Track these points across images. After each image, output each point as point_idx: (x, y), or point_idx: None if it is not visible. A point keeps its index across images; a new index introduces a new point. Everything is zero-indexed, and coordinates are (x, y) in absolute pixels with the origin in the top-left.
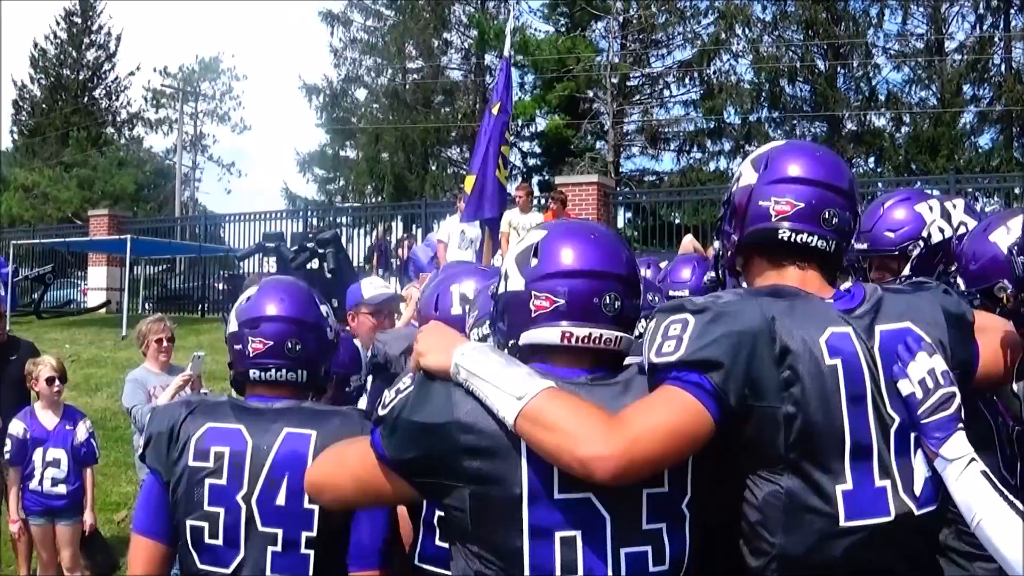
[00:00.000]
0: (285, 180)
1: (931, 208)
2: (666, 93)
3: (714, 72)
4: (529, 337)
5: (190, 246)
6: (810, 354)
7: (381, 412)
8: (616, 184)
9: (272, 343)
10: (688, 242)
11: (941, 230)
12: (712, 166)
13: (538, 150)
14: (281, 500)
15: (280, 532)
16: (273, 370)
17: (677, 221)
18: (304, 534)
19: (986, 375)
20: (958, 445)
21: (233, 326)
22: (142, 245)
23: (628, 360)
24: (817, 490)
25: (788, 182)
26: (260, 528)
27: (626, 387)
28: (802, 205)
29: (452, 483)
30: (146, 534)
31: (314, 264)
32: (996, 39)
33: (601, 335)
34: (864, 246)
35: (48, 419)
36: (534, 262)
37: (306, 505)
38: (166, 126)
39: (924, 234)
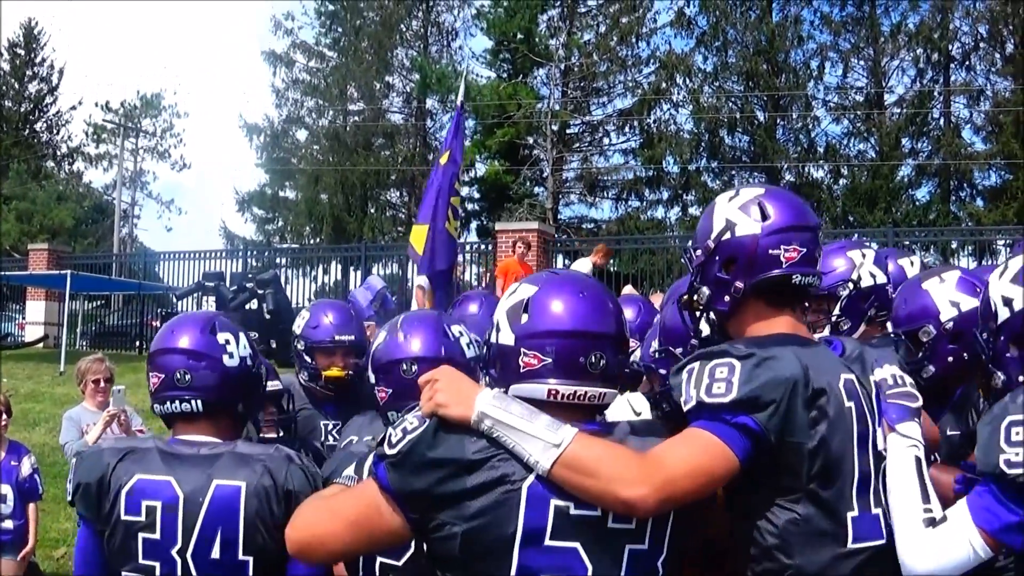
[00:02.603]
0: (224, 219)
1: (863, 255)
2: (606, 141)
3: (654, 121)
4: (517, 391)
5: (129, 283)
6: (835, 396)
7: (388, 451)
8: (555, 231)
9: (164, 375)
10: (628, 292)
11: (872, 275)
12: (650, 214)
13: (477, 195)
14: (216, 553)
15: None
16: (168, 403)
17: (615, 269)
18: None
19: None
20: (912, 429)
21: None
22: (81, 281)
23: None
24: (832, 516)
25: (793, 230)
26: None
27: (620, 444)
28: (805, 251)
29: (449, 520)
30: None
31: (253, 304)
32: (936, 93)
33: (586, 392)
34: None
35: None
36: (524, 318)
37: (240, 557)
38: (106, 161)
39: (853, 276)
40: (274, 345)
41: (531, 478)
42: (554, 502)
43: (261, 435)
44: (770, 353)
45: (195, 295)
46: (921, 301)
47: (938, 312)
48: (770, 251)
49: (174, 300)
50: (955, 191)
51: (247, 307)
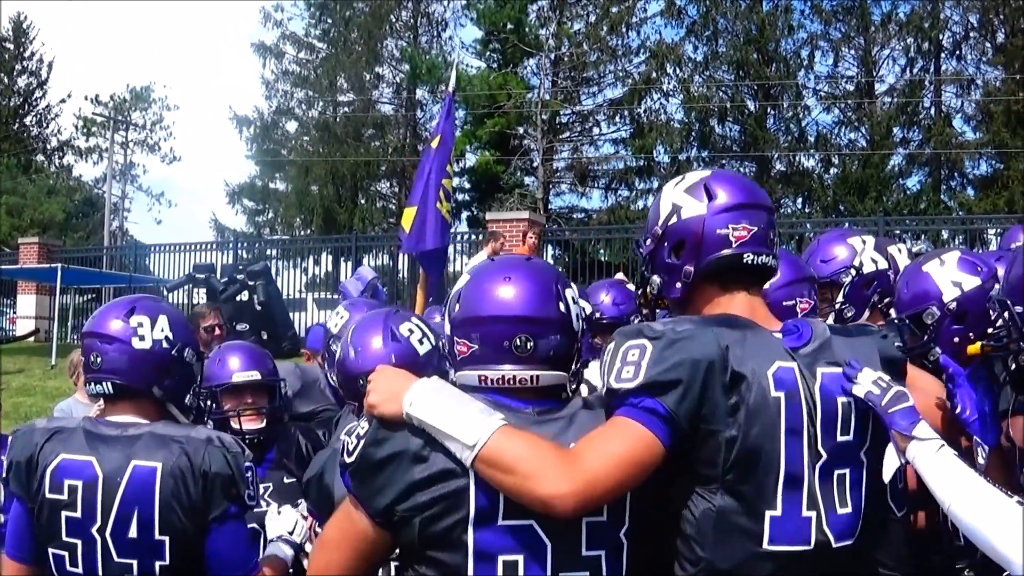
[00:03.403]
0: (214, 211)
1: (864, 241)
2: (596, 131)
3: (644, 111)
4: (459, 378)
5: (120, 276)
6: (758, 384)
7: (347, 459)
8: (545, 220)
9: (84, 359)
10: (619, 278)
11: (874, 261)
12: (640, 204)
13: (467, 185)
14: (133, 533)
15: (135, 563)
16: (88, 384)
17: (605, 259)
18: (158, 564)
19: None
20: (927, 429)
21: None
22: (72, 274)
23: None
24: (747, 512)
25: (740, 208)
26: (116, 559)
27: (570, 421)
28: (755, 229)
29: (406, 513)
30: (14, 558)
31: (244, 296)
32: (926, 82)
33: (515, 376)
34: None
35: None
36: (456, 308)
37: (157, 536)
38: (96, 155)
39: (855, 263)
40: (265, 336)
41: None
42: None
43: (242, 425)
44: (685, 332)
45: (186, 287)
46: (923, 284)
47: (940, 293)
48: (718, 231)
49: (165, 292)
50: (946, 180)
51: (238, 298)
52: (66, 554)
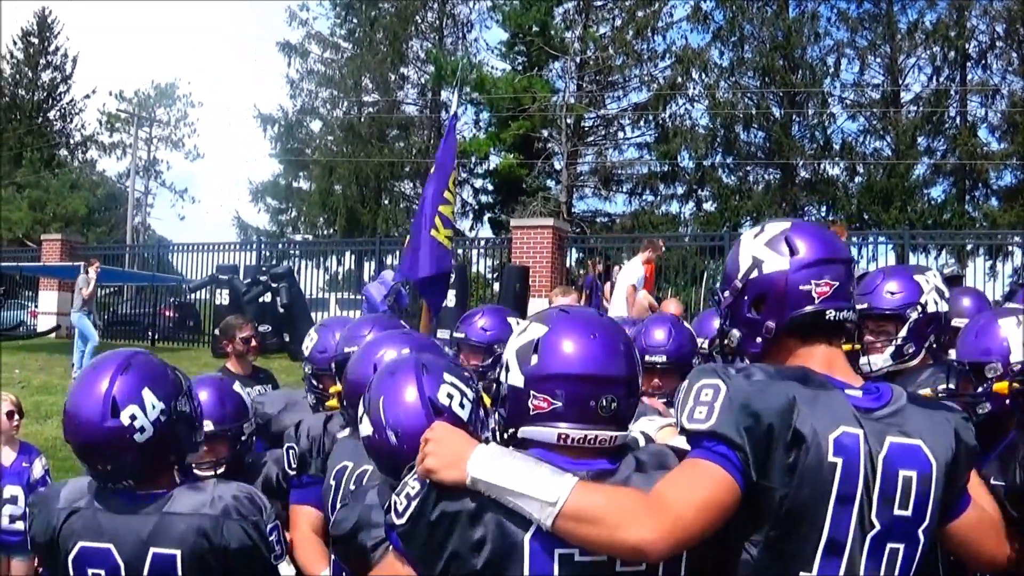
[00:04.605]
0: (237, 209)
1: (927, 281)
2: (620, 135)
3: (669, 116)
4: (526, 433)
5: (142, 275)
6: (817, 446)
7: (397, 521)
8: (569, 227)
9: (86, 465)
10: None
11: (936, 302)
12: (664, 209)
13: (490, 188)
14: None
15: None
16: (102, 484)
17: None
18: None
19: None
20: None
21: None
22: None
23: None
24: (782, 571)
25: (822, 263)
26: None
27: (625, 484)
28: (837, 284)
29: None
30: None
31: (267, 298)
32: (952, 92)
33: (596, 436)
34: (864, 306)
35: (6, 455)
36: (534, 360)
37: None
38: (120, 150)
39: (922, 301)
40: (287, 338)
41: (532, 528)
42: (558, 551)
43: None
44: (758, 384)
45: (209, 287)
46: (995, 336)
47: (1009, 352)
48: (800, 287)
49: (187, 291)
50: (970, 191)
51: (261, 300)
52: None
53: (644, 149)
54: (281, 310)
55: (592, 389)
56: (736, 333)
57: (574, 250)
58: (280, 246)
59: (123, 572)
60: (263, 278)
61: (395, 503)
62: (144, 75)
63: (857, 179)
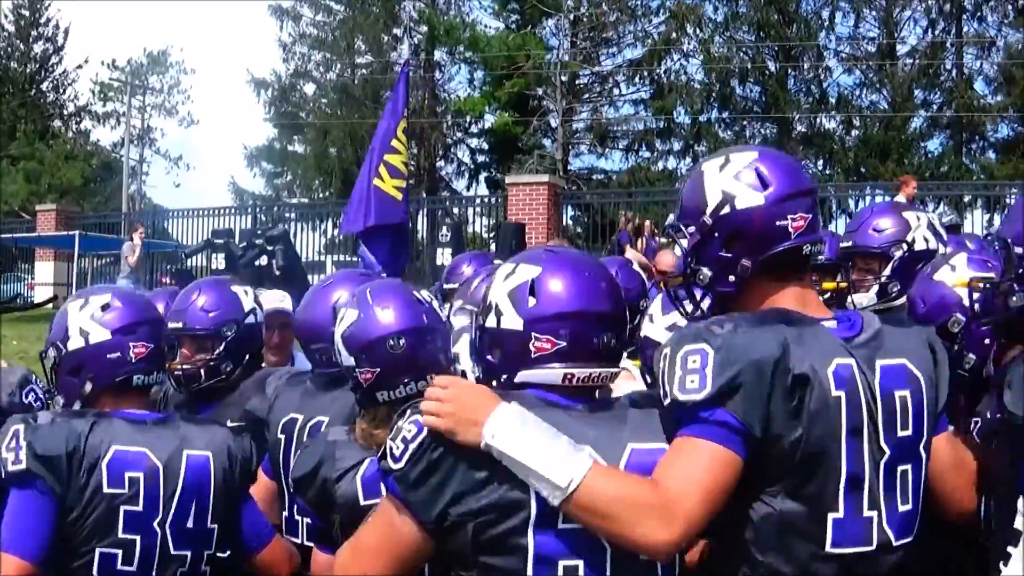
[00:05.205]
0: (233, 174)
1: (918, 217)
2: (616, 92)
3: (664, 71)
4: (527, 376)
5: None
6: (819, 384)
7: (394, 465)
8: (565, 183)
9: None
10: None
11: (926, 239)
12: (660, 165)
13: (486, 147)
14: (190, 523)
15: (188, 554)
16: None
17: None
18: (206, 553)
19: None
20: None
21: None
22: (91, 241)
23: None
24: (809, 515)
25: (796, 196)
26: (172, 552)
27: (623, 420)
28: (810, 216)
29: (460, 517)
30: (27, 556)
31: (263, 261)
32: (948, 44)
33: (600, 374)
34: (848, 244)
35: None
36: (532, 301)
37: (209, 525)
38: (113, 119)
39: (908, 239)
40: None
41: None
42: None
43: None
44: (745, 334)
45: (204, 252)
46: (938, 294)
47: (959, 299)
48: (777, 222)
49: (183, 257)
50: (967, 143)
51: (257, 264)
52: (119, 552)
53: (639, 105)
54: (277, 273)
55: (594, 327)
56: (706, 271)
57: (570, 207)
58: (276, 209)
59: (161, 474)
60: (259, 241)
61: (390, 448)
62: (136, 44)
63: (854, 132)
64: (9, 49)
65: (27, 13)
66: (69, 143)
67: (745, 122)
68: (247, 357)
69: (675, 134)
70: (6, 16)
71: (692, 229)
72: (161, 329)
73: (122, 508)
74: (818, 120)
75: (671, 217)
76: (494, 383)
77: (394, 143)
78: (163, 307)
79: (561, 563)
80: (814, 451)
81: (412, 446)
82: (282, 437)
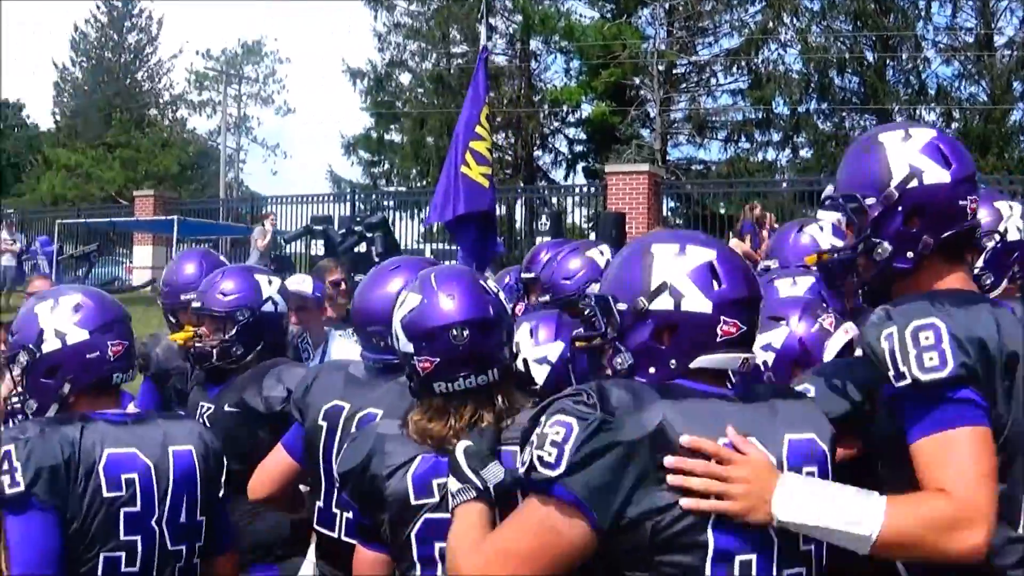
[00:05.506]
0: (330, 163)
1: (1011, 207)
2: (713, 81)
3: (762, 61)
4: (705, 362)
5: (237, 227)
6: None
7: (555, 472)
8: (664, 173)
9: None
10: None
11: (1019, 230)
12: (760, 156)
13: (583, 136)
14: (183, 518)
15: (184, 548)
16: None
17: (724, 212)
18: (197, 546)
19: None
20: None
21: None
22: (189, 226)
23: None
24: (1006, 497)
25: (972, 179)
26: (170, 548)
27: (774, 409)
28: (979, 201)
29: (640, 518)
30: None
31: (362, 248)
32: None
33: (753, 359)
34: None
35: None
36: (716, 285)
37: (198, 517)
38: (209, 108)
39: (1000, 228)
40: None
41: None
42: None
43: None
44: (966, 312)
45: (303, 239)
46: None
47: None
48: (959, 202)
49: (282, 243)
50: None
51: (356, 250)
52: (123, 554)
53: (738, 95)
54: (376, 259)
55: (754, 314)
56: (887, 245)
57: (669, 197)
58: (374, 197)
59: (153, 473)
60: (357, 228)
61: (538, 456)
62: (230, 34)
63: (954, 125)
64: (103, 39)
65: (119, 4)
66: (165, 131)
67: (844, 113)
68: (262, 344)
69: (774, 125)
70: (99, 7)
71: (871, 201)
72: (130, 325)
73: (122, 510)
74: (917, 112)
75: (829, 189)
76: (652, 370)
77: (478, 130)
78: (195, 268)
79: (737, 558)
80: (1017, 432)
81: (568, 447)
82: (324, 425)
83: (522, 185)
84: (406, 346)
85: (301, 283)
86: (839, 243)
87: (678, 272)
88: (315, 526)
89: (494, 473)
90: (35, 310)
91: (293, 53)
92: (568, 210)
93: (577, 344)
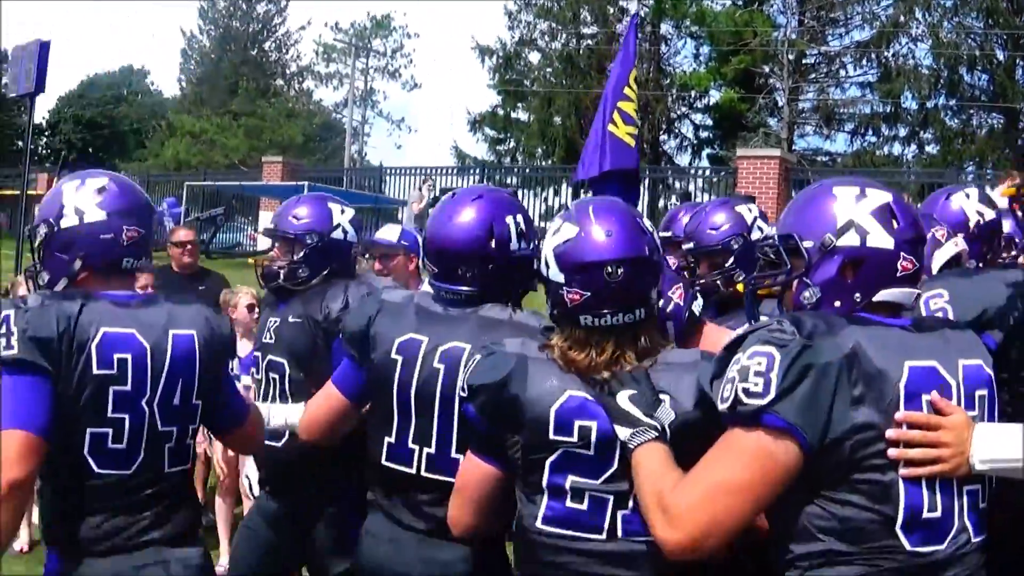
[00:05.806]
0: (455, 139)
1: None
2: (842, 73)
3: (892, 55)
4: (887, 296)
5: (365, 196)
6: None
7: (764, 400)
8: (795, 160)
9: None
10: None
11: (979, 213)
12: (886, 150)
13: (710, 123)
14: (177, 400)
15: (175, 430)
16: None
17: None
18: (191, 427)
19: None
20: None
21: None
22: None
23: None
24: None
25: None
26: (160, 428)
27: (945, 338)
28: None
29: (843, 436)
30: (39, 432)
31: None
32: None
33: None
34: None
35: (243, 347)
36: (896, 224)
37: (194, 401)
38: (336, 80)
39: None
40: None
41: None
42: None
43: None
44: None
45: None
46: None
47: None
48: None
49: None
50: None
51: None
52: (109, 431)
53: (866, 88)
54: None
55: (923, 252)
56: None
57: (796, 187)
58: (498, 173)
59: (148, 354)
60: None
61: (743, 388)
62: (359, 7)
63: None
64: (232, 8)
65: None
66: (291, 101)
67: (972, 111)
68: (328, 270)
69: (901, 119)
70: None
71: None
72: (152, 216)
73: (111, 389)
74: None
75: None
76: (838, 303)
77: (626, 91)
78: (309, 210)
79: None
80: None
81: (774, 375)
82: (398, 358)
83: (647, 167)
84: (556, 275)
85: (387, 232)
86: (986, 210)
87: (862, 211)
88: (384, 462)
89: (667, 413)
90: (62, 187)
91: (422, 28)
92: (692, 196)
93: (751, 287)
